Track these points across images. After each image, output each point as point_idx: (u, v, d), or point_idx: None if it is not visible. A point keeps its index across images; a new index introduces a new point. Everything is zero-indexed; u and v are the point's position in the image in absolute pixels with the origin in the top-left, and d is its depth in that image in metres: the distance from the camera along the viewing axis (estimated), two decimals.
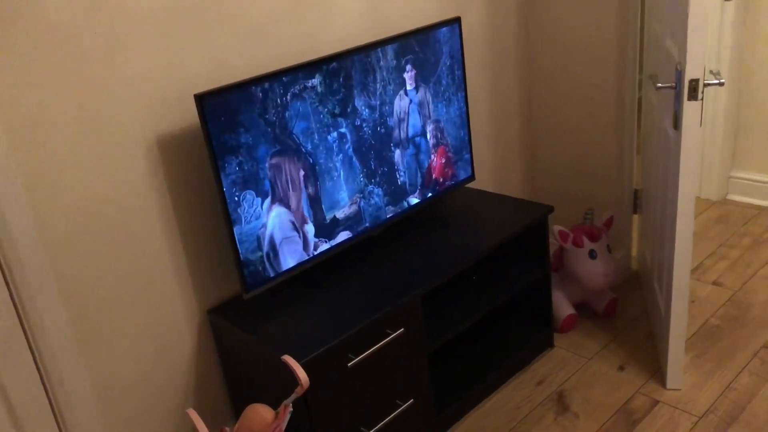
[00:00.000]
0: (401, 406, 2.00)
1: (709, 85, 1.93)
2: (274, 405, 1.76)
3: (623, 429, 2.14)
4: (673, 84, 1.96)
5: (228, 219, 1.78)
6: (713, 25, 3.14)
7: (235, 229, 1.80)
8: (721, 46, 3.16)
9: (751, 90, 3.25)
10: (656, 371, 2.35)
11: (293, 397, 1.68)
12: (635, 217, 2.94)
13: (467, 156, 2.40)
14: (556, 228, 2.51)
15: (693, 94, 1.90)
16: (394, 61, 2.08)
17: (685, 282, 2.11)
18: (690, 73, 1.88)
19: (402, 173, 2.20)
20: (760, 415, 2.11)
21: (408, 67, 2.13)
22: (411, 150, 2.21)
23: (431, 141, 2.26)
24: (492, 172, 2.81)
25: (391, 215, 2.19)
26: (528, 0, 2.70)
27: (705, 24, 1.83)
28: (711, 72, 2.02)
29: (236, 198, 1.78)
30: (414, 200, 2.25)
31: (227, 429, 1.77)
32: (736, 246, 3.04)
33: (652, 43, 2.47)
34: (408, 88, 2.14)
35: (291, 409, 1.71)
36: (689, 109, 1.91)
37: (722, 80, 1.94)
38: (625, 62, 2.56)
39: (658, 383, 2.30)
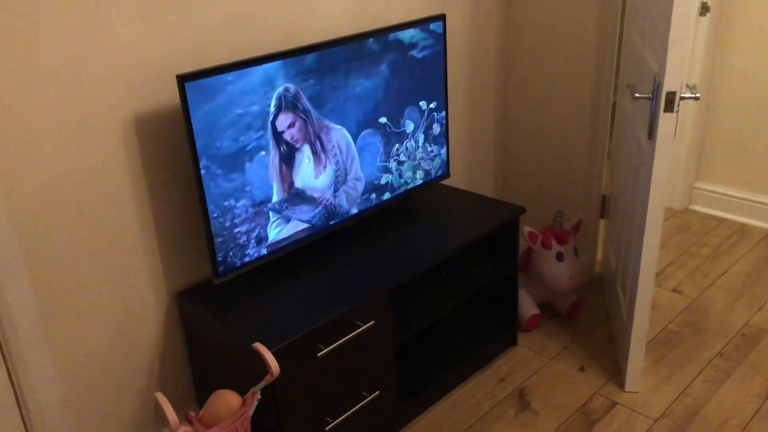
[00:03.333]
0: (367, 397, 2.02)
1: (685, 98, 1.97)
2: (241, 392, 1.75)
3: (581, 428, 2.19)
4: (650, 95, 2.00)
5: (203, 203, 1.76)
6: (689, 38, 3.21)
7: (211, 214, 1.78)
8: (693, 59, 3.23)
9: (720, 104, 3.34)
10: (615, 373, 2.41)
11: (262, 384, 1.68)
12: (602, 221, 3.00)
13: (444, 153, 2.41)
14: (526, 229, 2.54)
15: (669, 106, 1.94)
16: (378, 54, 2.08)
17: (649, 289, 2.17)
18: (668, 86, 1.92)
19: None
20: (712, 420, 2.18)
21: (388, 59, 2.13)
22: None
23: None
24: (466, 171, 2.84)
25: (364, 208, 2.19)
26: (509, 1, 2.73)
27: (684, 37, 1.87)
28: (687, 85, 2.07)
29: (213, 183, 1.77)
30: (388, 194, 2.26)
31: (192, 414, 1.76)
32: (696, 255, 3.13)
33: (630, 53, 2.52)
34: (386, 81, 2.14)
35: (259, 396, 1.71)
36: (665, 120, 1.95)
37: (698, 95, 1.99)
38: (602, 68, 2.60)
39: (616, 385, 2.36)
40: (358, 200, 2.17)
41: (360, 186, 2.16)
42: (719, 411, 2.22)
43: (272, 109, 1.84)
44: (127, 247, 1.85)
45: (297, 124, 1.91)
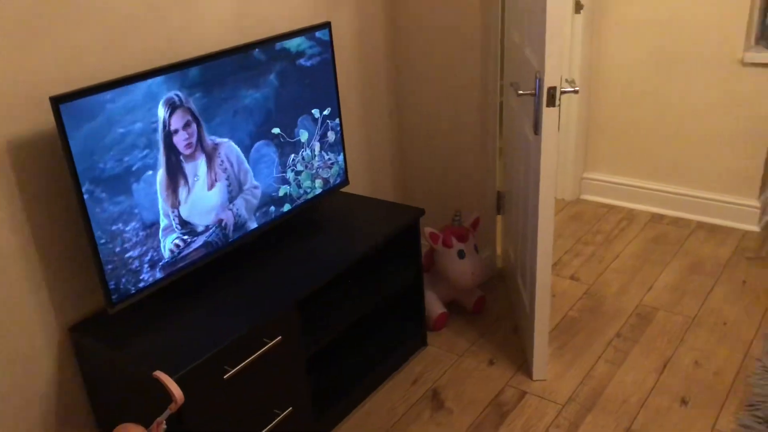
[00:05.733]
0: (280, 414, 1.97)
1: (565, 92, 2.06)
2: (146, 424, 1.67)
3: (495, 421, 2.23)
4: (533, 91, 2.07)
5: (89, 229, 1.67)
6: (566, 35, 3.36)
7: (98, 240, 1.69)
8: (572, 55, 3.38)
9: (600, 97, 3.51)
10: (523, 364, 2.48)
11: (166, 413, 1.61)
12: (499, 217, 3.08)
13: (341, 160, 2.40)
14: (427, 230, 2.58)
15: (551, 101, 2.02)
16: (265, 64, 2.05)
17: (547, 278, 2.24)
18: (548, 81, 1.99)
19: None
20: (615, 399, 2.28)
21: (276, 68, 2.10)
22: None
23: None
24: (366, 176, 2.84)
25: (264, 222, 2.15)
26: (395, 5, 2.76)
27: (561, 34, 1.95)
28: (567, 80, 2.16)
29: (98, 208, 1.68)
30: (288, 206, 2.23)
31: None
32: (590, 243, 3.27)
33: (513, 52, 2.60)
34: (276, 91, 2.11)
35: (165, 426, 1.64)
36: (548, 115, 2.03)
37: (577, 88, 2.08)
38: (487, 68, 2.67)
39: (525, 375, 2.42)
40: (257, 214, 2.12)
41: (257, 199, 2.12)
42: (621, 390, 2.32)
43: (163, 114, 1.78)
44: (10, 284, 1.73)
45: (192, 127, 1.85)
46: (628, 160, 3.56)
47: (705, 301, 2.75)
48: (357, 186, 2.80)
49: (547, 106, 2.02)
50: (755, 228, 3.29)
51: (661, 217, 3.46)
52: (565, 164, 3.64)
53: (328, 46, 2.26)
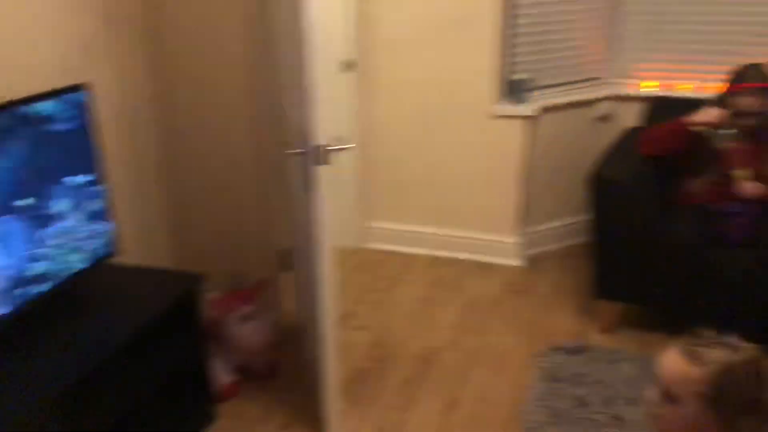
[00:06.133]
0: None
1: (334, 150, 2.10)
2: None
3: None
4: (302, 150, 2.09)
5: None
6: (340, 91, 3.47)
7: None
8: (346, 111, 3.50)
9: (377, 150, 3.66)
10: (318, 424, 2.44)
11: None
12: (287, 275, 3.05)
13: (108, 229, 2.23)
14: (209, 296, 2.47)
15: (321, 159, 2.05)
16: (10, 130, 1.85)
17: (333, 332, 2.24)
18: (316, 141, 2.02)
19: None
20: None
21: (22, 135, 1.90)
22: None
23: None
24: (137, 244, 2.66)
25: (19, 305, 1.91)
26: (161, 63, 2.66)
27: (320, 94, 1.99)
28: (336, 138, 2.21)
29: None
30: (46, 285, 2.00)
31: None
32: (375, 290, 3.36)
33: (283, 110, 2.62)
34: (26, 158, 1.91)
35: None
36: (318, 173, 2.05)
37: (346, 145, 2.13)
38: (261, 125, 2.66)
39: None
40: (9, 297, 1.88)
41: (5, 281, 1.88)
42: None
43: None
44: None
45: None
46: (406, 207, 3.74)
47: (482, 338, 2.94)
48: (129, 255, 2.61)
49: (318, 164, 2.05)
50: (520, 263, 3.60)
51: (439, 259, 3.66)
52: (348, 214, 3.73)
53: (85, 108, 2.11)
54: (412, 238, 3.75)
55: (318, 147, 2.03)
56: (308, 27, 1.92)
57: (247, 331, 2.49)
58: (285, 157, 2.64)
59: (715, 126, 2.73)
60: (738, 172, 2.75)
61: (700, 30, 3.45)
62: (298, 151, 2.12)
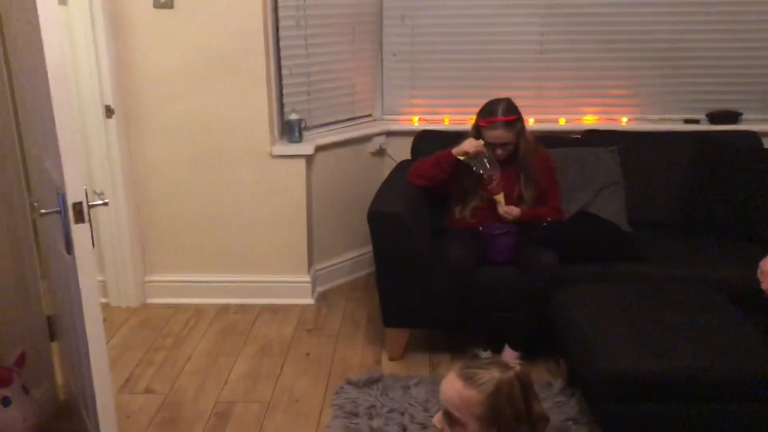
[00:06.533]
0: None
1: (94, 206, 1.93)
2: None
3: None
4: (58, 209, 1.90)
5: None
6: (100, 141, 3.24)
7: None
8: (111, 161, 3.28)
9: (149, 199, 3.47)
10: None
11: None
12: (54, 344, 2.75)
13: None
14: None
15: (80, 217, 1.87)
16: None
17: (109, 403, 2.04)
18: (72, 197, 1.85)
19: None
20: None
21: None
22: None
23: None
24: None
25: None
26: None
27: (76, 145, 1.83)
28: (96, 192, 2.04)
29: None
30: None
31: None
32: (161, 348, 3.15)
33: (34, 166, 2.38)
34: None
35: None
36: (78, 232, 1.87)
37: (107, 201, 1.98)
38: (9, 185, 2.39)
39: None
40: None
41: None
42: None
43: None
44: None
45: None
46: (188, 257, 3.57)
47: (277, 383, 2.87)
48: None
49: (76, 222, 1.87)
50: (311, 301, 3.60)
51: (228, 307, 3.54)
52: (124, 271, 3.48)
53: None
54: (199, 289, 3.58)
55: (76, 204, 1.85)
56: (52, 71, 1.76)
57: (7, 416, 2.19)
58: (39, 216, 2.39)
59: (476, 155, 2.95)
60: (498, 197, 3.00)
61: (452, 68, 3.76)
62: (53, 210, 1.92)
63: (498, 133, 2.97)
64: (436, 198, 3.18)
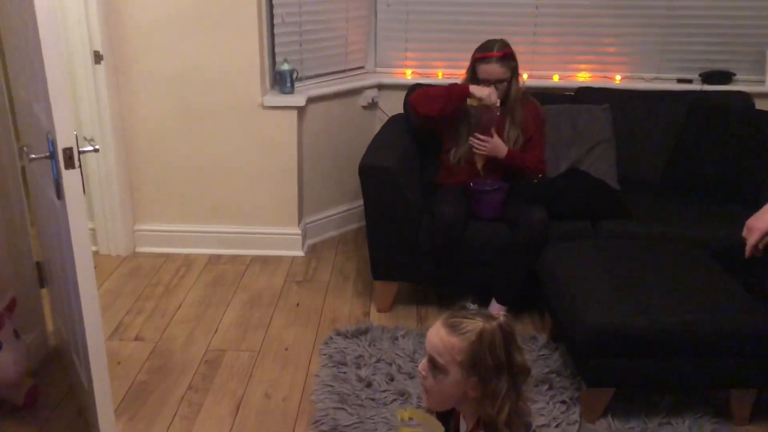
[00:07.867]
0: None
1: (84, 152, 1.92)
2: None
3: None
4: (48, 154, 1.88)
5: None
6: (89, 87, 3.19)
7: None
8: (100, 108, 3.23)
9: (138, 148, 3.44)
10: None
11: None
12: (44, 291, 2.76)
13: None
14: None
15: (70, 163, 1.86)
16: None
17: (101, 348, 2.06)
18: (62, 142, 1.83)
19: None
20: None
21: None
22: None
23: None
24: None
25: None
26: None
27: (66, 90, 1.80)
28: (86, 138, 2.02)
29: None
30: None
31: None
32: (151, 297, 3.16)
33: (22, 111, 2.35)
34: None
35: None
36: (69, 177, 1.86)
37: (97, 147, 1.96)
38: None
39: None
40: None
41: None
42: None
43: None
44: None
45: None
46: (178, 206, 3.56)
47: (267, 332, 2.90)
48: None
49: (66, 168, 1.85)
50: (301, 253, 3.61)
51: (219, 257, 3.55)
52: (113, 219, 3.47)
53: None
54: (190, 239, 3.59)
55: (66, 149, 1.83)
56: (41, 14, 1.72)
57: None
58: (30, 162, 2.37)
59: (488, 109, 2.94)
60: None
61: (447, 20, 3.71)
62: (42, 155, 1.91)
63: (492, 68, 2.95)
64: (429, 141, 3.18)
